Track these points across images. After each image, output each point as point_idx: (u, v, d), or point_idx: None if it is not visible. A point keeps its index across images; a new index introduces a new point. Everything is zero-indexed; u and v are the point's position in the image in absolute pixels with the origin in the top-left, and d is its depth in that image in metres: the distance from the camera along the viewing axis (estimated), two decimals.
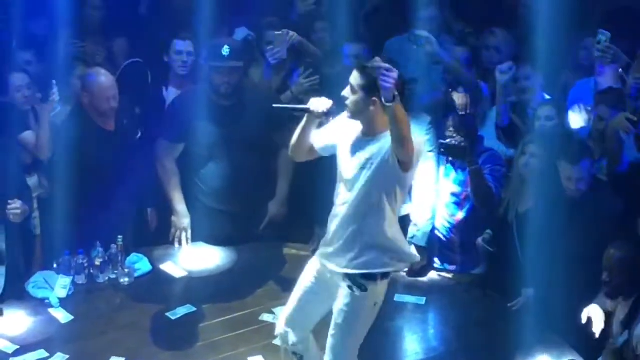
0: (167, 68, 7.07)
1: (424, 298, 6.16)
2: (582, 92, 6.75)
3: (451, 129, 6.37)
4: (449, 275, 6.55)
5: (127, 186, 6.38)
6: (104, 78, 6.41)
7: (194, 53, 6.96)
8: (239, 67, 6.45)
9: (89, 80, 6.44)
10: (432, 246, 6.62)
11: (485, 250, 6.32)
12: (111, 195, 6.33)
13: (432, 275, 6.51)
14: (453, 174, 6.51)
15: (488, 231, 6.34)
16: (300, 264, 5.72)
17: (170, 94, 7.03)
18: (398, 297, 6.12)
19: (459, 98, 6.77)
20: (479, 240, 6.34)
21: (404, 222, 6.43)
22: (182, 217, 6.63)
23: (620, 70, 6.30)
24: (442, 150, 6.41)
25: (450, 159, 6.48)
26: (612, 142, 6.11)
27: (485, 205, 6.37)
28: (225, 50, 6.34)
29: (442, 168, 6.57)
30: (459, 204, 6.53)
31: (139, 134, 6.75)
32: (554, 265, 5.70)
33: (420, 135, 6.21)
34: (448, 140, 6.36)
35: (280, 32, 6.94)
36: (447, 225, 6.57)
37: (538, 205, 5.98)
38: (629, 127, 5.97)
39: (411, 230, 6.49)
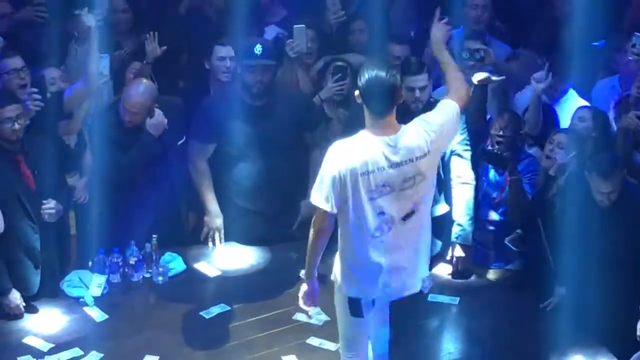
0: (207, 74, 7.06)
1: (458, 298, 6.14)
2: (604, 91, 6.74)
3: (499, 126, 6.38)
4: (483, 272, 6.54)
5: (162, 186, 6.41)
6: (136, 91, 6.39)
7: (235, 58, 6.91)
8: (272, 65, 6.45)
9: (127, 86, 6.49)
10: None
11: (513, 250, 6.30)
12: (146, 195, 6.38)
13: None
14: (491, 174, 6.50)
15: (518, 231, 6.32)
16: (332, 263, 5.73)
17: None
18: (431, 297, 6.09)
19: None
20: (507, 240, 6.32)
21: (438, 222, 6.44)
22: (215, 217, 6.65)
23: None
24: (484, 157, 6.41)
25: (490, 165, 6.48)
26: (622, 141, 6.09)
27: (517, 214, 6.37)
28: (258, 49, 6.34)
29: (480, 167, 6.55)
30: (493, 206, 6.52)
31: (183, 139, 6.72)
32: (586, 263, 5.68)
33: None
34: (491, 148, 6.36)
35: (299, 26, 6.94)
36: (481, 223, 6.55)
37: (567, 204, 5.95)
38: (639, 125, 5.96)
39: (454, 231, 6.44)
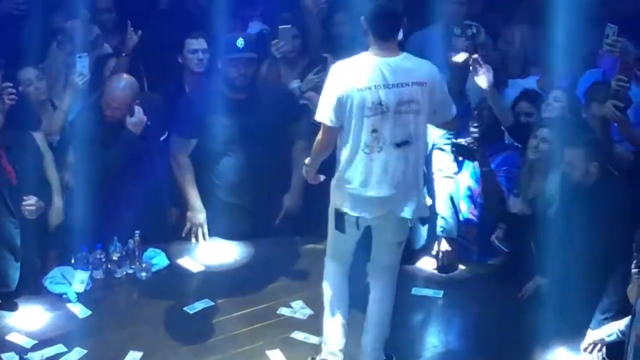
0: (181, 69, 7.04)
1: (442, 291, 6.16)
2: (590, 82, 6.75)
3: (474, 121, 6.38)
4: (466, 265, 6.53)
5: (145, 182, 6.39)
6: (118, 86, 6.35)
7: (208, 50, 6.93)
8: (254, 58, 6.44)
9: (108, 81, 6.47)
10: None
11: (499, 248, 6.31)
12: (129, 191, 6.34)
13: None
14: (470, 168, 6.49)
15: (501, 225, 6.32)
16: (316, 257, 5.77)
17: None
18: (416, 291, 6.13)
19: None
20: (493, 237, 6.32)
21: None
22: (198, 212, 6.64)
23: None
24: (453, 149, 6.42)
25: (460, 158, 6.48)
26: (600, 130, 6.11)
27: (492, 206, 6.36)
28: (240, 42, 6.34)
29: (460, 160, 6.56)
30: (473, 199, 6.52)
31: (165, 135, 6.71)
32: (568, 255, 5.68)
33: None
34: (459, 140, 6.36)
35: (285, 26, 6.94)
36: (463, 217, 6.56)
37: (549, 195, 5.96)
38: (615, 113, 5.99)
39: (439, 224, 6.46)
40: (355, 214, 5.24)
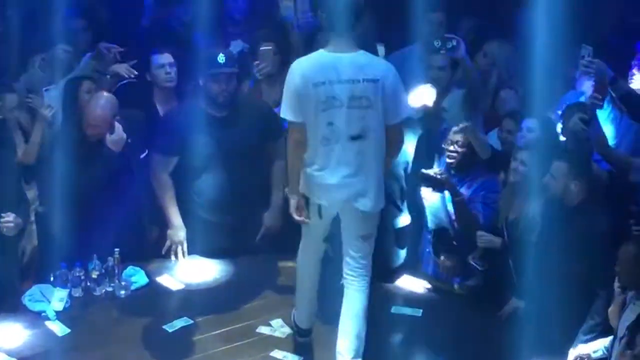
0: (150, 87, 7.05)
1: (421, 310, 6.18)
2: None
3: (452, 141, 6.38)
4: (444, 287, 6.54)
5: (125, 200, 6.38)
6: (98, 105, 6.38)
7: (175, 64, 6.96)
8: (235, 73, 6.48)
9: (89, 101, 6.47)
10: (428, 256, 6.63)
11: (476, 269, 6.33)
12: (109, 209, 6.34)
13: (428, 286, 6.51)
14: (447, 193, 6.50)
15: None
16: (296, 275, 5.76)
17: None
18: (395, 309, 6.15)
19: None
20: (470, 258, 6.34)
21: (400, 234, 6.48)
22: (178, 230, 6.64)
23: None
24: (421, 180, 6.39)
25: (430, 189, 6.43)
26: (571, 144, 6.18)
27: (467, 232, 6.36)
28: (221, 58, 6.37)
29: None
30: (452, 223, 6.50)
31: (145, 152, 6.70)
32: (548, 276, 5.71)
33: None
34: (427, 170, 6.36)
35: (266, 47, 6.97)
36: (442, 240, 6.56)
37: (529, 216, 6.00)
38: (581, 127, 6.04)
39: (430, 218, 6.52)
40: (315, 200, 5.44)
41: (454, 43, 6.55)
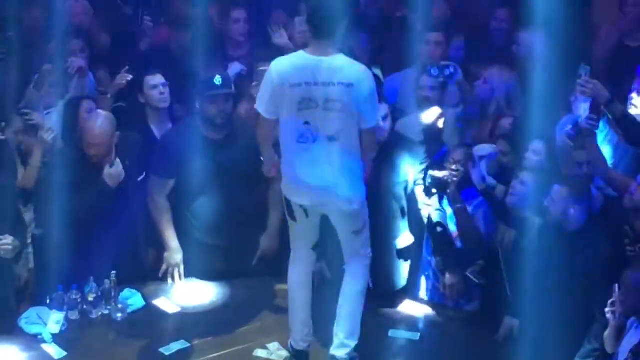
0: (143, 109, 7.06)
1: (418, 334, 6.16)
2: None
3: (454, 160, 6.39)
4: (442, 312, 6.51)
5: (122, 222, 6.38)
6: (96, 124, 6.36)
7: (167, 84, 6.99)
8: (232, 94, 6.51)
9: (86, 121, 6.47)
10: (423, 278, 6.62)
11: (473, 283, 6.32)
12: (105, 231, 6.33)
13: (427, 310, 6.49)
14: (449, 209, 6.51)
15: (479, 262, 6.33)
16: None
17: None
18: (392, 333, 6.13)
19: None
20: (468, 272, 6.33)
21: (402, 255, 6.46)
22: (175, 253, 6.63)
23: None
24: (430, 181, 6.41)
25: (434, 191, 6.45)
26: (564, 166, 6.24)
27: (468, 245, 6.37)
28: (218, 80, 6.40)
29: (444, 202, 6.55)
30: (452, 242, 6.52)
31: (143, 175, 6.69)
32: (545, 300, 5.70)
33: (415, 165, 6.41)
34: (435, 172, 6.37)
35: (264, 68, 6.97)
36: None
37: (527, 238, 6.00)
38: (569, 144, 6.12)
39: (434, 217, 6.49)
40: (297, 202, 5.63)
41: (451, 70, 6.58)
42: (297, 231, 5.79)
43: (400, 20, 8.05)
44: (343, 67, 5.47)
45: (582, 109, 6.51)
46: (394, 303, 6.43)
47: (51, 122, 6.56)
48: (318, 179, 5.50)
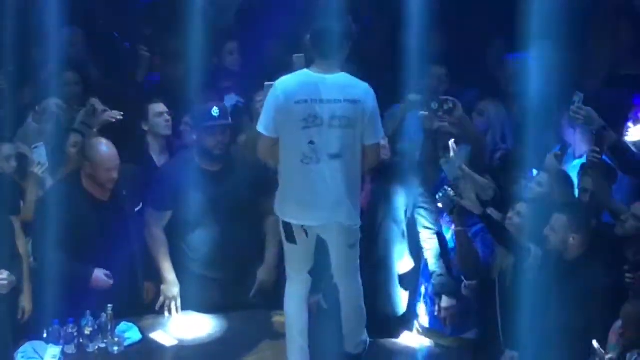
0: (142, 138, 7.07)
1: None
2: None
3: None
4: (440, 340, 6.50)
5: (117, 255, 6.36)
6: (106, 148, 6.39)
7: (170, 112, 7.03)
8: (229, 125, 6.53)
9: (91, 150, 6.44)
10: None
11: (468, 293, 6.29)
12: (102, 264, 6.30)
13: (423, 340, 6.47)
14: (449, 234, 6.50)
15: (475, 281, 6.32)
16: None
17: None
18: None
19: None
20: (464, 285, 6.32)
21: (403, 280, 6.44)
22: (172, 286, 6.60)
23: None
24: (440, 194, 6.39)
25: (440, 205, 6.44)
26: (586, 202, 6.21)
27: (466, 268, 6.36)
28: (215, 111, 6.43)
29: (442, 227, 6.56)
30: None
31: (140, 205, 6.69)
32: (543, 330, 5.69)
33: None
34: (449, 189, 6.37)
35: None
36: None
37: (525, 265, 5.98)
38: (557, 168, 6.24)
39: (435, 282, 6.42)
40: (300, 223, 5.65)
41: (451, 105, 6.59)
42: (295, 255, 5.81)
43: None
44: (348, 84, 5.56)
45: (569, 136, 6.55)
46: (393, 332, 6.41)
47: (40, 157, 6.54)
48: (324, 199, 5.55)
